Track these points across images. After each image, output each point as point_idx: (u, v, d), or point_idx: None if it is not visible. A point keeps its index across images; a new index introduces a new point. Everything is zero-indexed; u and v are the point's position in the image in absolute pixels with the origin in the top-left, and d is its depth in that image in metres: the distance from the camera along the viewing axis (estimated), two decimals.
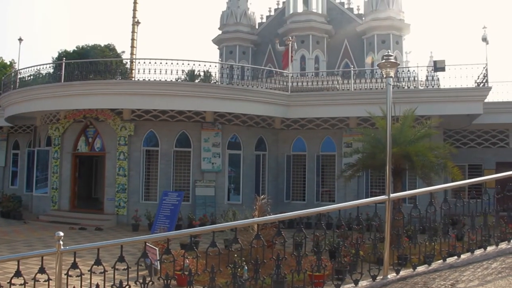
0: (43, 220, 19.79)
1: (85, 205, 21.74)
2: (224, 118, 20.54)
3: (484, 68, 19.33)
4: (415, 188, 18.43)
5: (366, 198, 19.86)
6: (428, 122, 15.88)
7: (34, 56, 62.52)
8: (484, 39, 19.58)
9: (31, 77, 21.71)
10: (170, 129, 20.21)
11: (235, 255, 7.64)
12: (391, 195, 7.00)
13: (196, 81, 23.47)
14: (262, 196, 13.07)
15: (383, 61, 7.39)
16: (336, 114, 20.91)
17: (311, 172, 21.83)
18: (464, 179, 15.88)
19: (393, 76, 7.49)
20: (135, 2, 24.59)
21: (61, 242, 5.54)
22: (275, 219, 7.19)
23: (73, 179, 21.06)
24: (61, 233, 5.59)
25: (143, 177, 20.16)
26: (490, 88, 19.41)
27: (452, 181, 14.81)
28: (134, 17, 24.60)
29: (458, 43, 73.42)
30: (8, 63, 38.43)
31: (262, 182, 21.56)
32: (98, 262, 5.70)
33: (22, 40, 24.07)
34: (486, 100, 19.87)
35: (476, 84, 19.61)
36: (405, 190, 16.56)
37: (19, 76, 21.98)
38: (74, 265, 5.60)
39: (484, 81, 19.36)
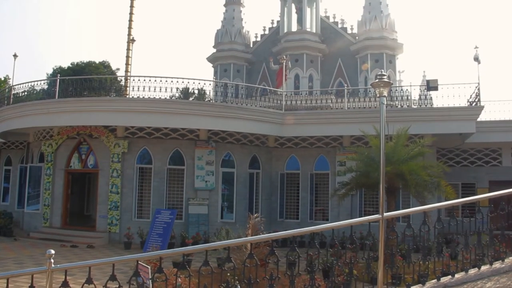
0: (34, 237, 19.58)
1: (77, 222, 21.56)
2: (218, 136, 20.54)
3: (476, 87, 19.50)
4: (408, 207, 18.42)
5: (359, 216, 19.85)
6: (422, 141, 15.92)
7: (29, 72, 62.58)
8: (476, 59, 19.77)
9: (25, 93, 21.68)
10: (163, 147, 20.18)
11: (228, 274, 7.58)
12: (385, 214, 7.00)
13: (190, 99, 23.51)
14: (255, 215, 13.00)
15: (377, 80, 7.43)
16: (329, 133, 20.95)
17: (305, 190, 21.79)
18: (458, 197, 15.94)
19: (386, 95, 7.53)
20: (130, 20, 24.77)
21: (52, 260, 5.46)
22: (268, 238, 7.15)
23: (65, 196, 20.92)
24: (52, 251, 5.51)
25: (136, 194, 20.06)
26: (482, 107, 19.56)
27: (446, 200, 14.83)
28: (129, 34, 24.75)
29: (450, 62, 74.22)
30: (3, 78, 38.38)
31: (256, 200, 21.50)
32: (89, 281, 5.62)
33: (17, 56, 24.09)
34: (478, 119, 20.01)
35: (468, 103, 19.74)
36: (398, 209, 16.57)
37: (13, 92, 21.95)
38: (65, 284, 5.53)
39: (476, 100, 19.50)
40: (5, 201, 26.78)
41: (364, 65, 31.52)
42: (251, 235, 11.57)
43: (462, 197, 19.70)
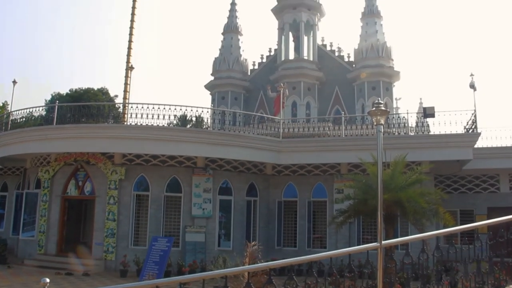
0: (29, 265, 19.32)
1: (73, 250, 21.27)
2: (215, 164, 20.51)
3: (472, 114, 19.61)
4: (407, 234, 18.33)
5: (358, 244, 19.72)
6: (419, 168, 15.93)
7: (28, 98, 62.72)
8: (472, 86, 19.93)
9: (23, 119, 21.70)
10: (161, 174, 20.12)
11: None
12: (383, 242, 6.93)
13: (188, 126, 23.59)
14: (253, 243, 12.91)
15: (374, 109, 7.45)
16: (327, 160, 20.94)
17: (303, 218, 21.66)
18: (456, 224, 15.86)
19: (383, 123, 7.55)
20: (129, 48, 24.94)
21: None
22: (266, 267, 7.06)
23: (61, 223, 20.72)
24: (47, 279, 5.42)
25: (132, 222, 19.89)
26: (479, 134, 19.63)
27: (444, 227, 14.76)
28: (128, 62, 24.88)
29: (447, 89, 74.81)
30: (1, 104, 38.48)
31: (253, 228, 21.34)
32: None
33: (16, 82, 24.17)
34: (475, 146, 20.06)
35: (465, 130, 19.83)
36: (397, 236, 16.47)
37: (11, 118, 21.96)
38: None
39: (473, 127, 19.60)
40: None
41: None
42: (249, 264, 11.45)
43: (461, 224, 19.58)
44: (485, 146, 22.24)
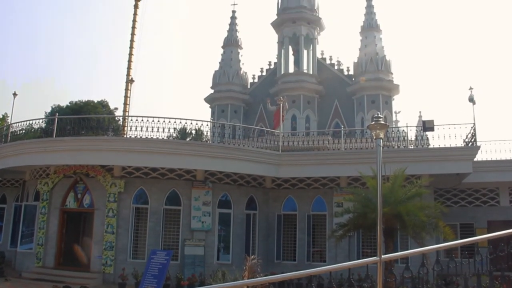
0: (26, 278, 19.19)
1: (71, 262, 21.16)
2: (215, 177, 20.48)
3: (472, 127, 19.64)
4: (407, 248, 18.28)
5: (357, 257, 19.66)
6: (419, 182, 15.91)
7: (28, 111, 62.82)
8: (471, 100, 19.97)
9: (23, 131, 21.71)
10: (160, 187, 20.08)
11: None
12: (383, 256, 6.91)
13: (188, 139, 23.59)
14: (252, 256, 12.86)
15: (373, 123, 7.45)
16: (326, 174, 20.92)
17: (302, 231, 21.58)
18: (456, 238, 15.85)
19: (382, 137, 7.55)
20: (129, 61, 25.08)
21: None
22: (265, 281, 7.04)
23: (59, 235, 20.62)
24: None
25: (131, 235, 19.81)
26: (478, 147, 19.64)
27: (444, 241, 14.71)
28: (128, 74, 25.01)
29: (446, 102, 74.98)
30: (1, 116, 38.52)
31: (253, 241, 21.26)
32: None
33: (16, 95, 24.21)
34: (475, 159, 20.05)
35: (465, 143, 19.84)
36: (397, 250, 16.42)
37: (11, 130, 21.97)
38: None
39: (472, 140, 19.61)
40: None
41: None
42: (248, 277, 11.40)
43: (461, 237, 19.55)
44: (484, 159, 22.24)
